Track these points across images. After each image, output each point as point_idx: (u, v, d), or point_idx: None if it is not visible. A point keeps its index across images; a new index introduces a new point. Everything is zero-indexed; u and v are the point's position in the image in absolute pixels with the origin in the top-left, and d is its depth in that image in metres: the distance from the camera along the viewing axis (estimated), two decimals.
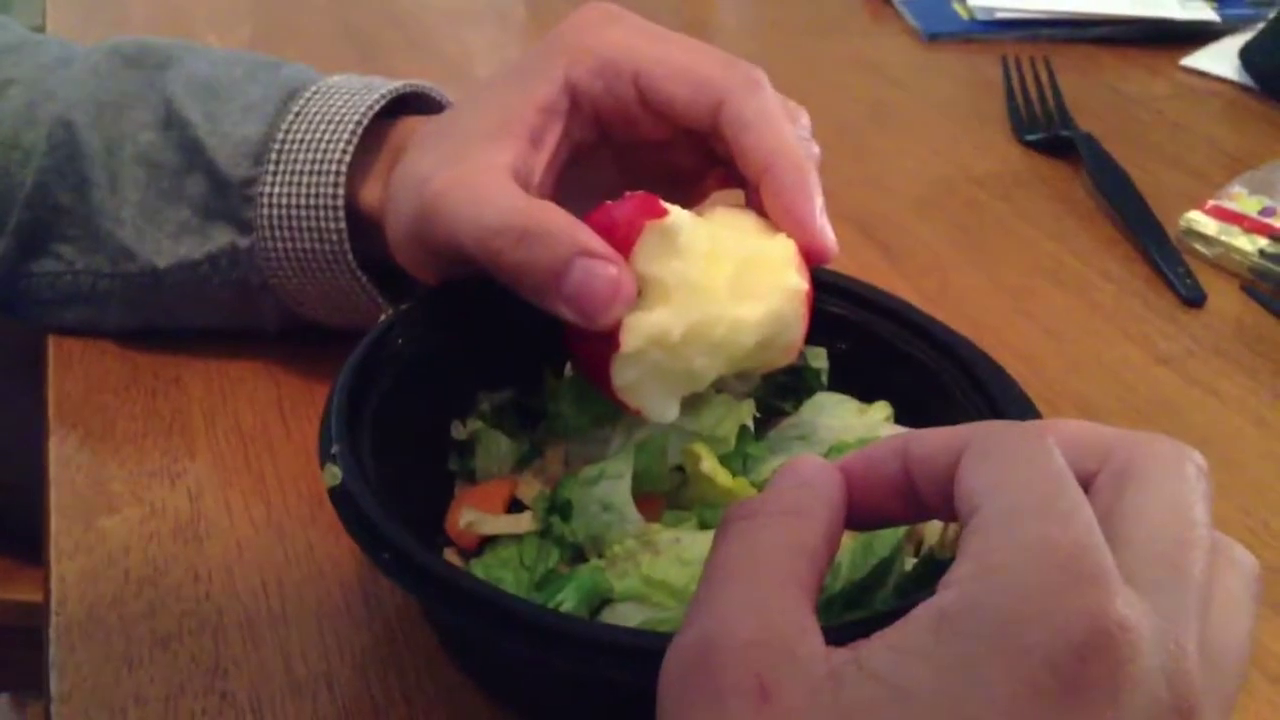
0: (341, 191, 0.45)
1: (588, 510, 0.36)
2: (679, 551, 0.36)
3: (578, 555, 0.37)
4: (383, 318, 0.38)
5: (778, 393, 0.45)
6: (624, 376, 0.36)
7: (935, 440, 0.28)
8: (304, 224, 0.45)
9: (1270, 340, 0.59)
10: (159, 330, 0.51)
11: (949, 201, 0.70)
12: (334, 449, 0.33)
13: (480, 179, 0.38)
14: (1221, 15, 0.93)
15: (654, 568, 0.35)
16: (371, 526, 0.32)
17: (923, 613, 0.24)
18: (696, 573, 0.34)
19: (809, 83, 0.83)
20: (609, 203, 0.37)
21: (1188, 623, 0.24)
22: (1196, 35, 0.92)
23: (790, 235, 0.38)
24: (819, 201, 0.38)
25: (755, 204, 0.39)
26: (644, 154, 0.43)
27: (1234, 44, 0.90)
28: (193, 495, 0.44)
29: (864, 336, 0.46)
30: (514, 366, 0.41)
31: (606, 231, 0.36)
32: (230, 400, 0.48)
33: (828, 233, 0.38)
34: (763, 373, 0.40)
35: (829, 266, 0.46)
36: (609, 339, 0.36)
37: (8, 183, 0.49)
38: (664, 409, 0.37)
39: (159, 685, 0.37)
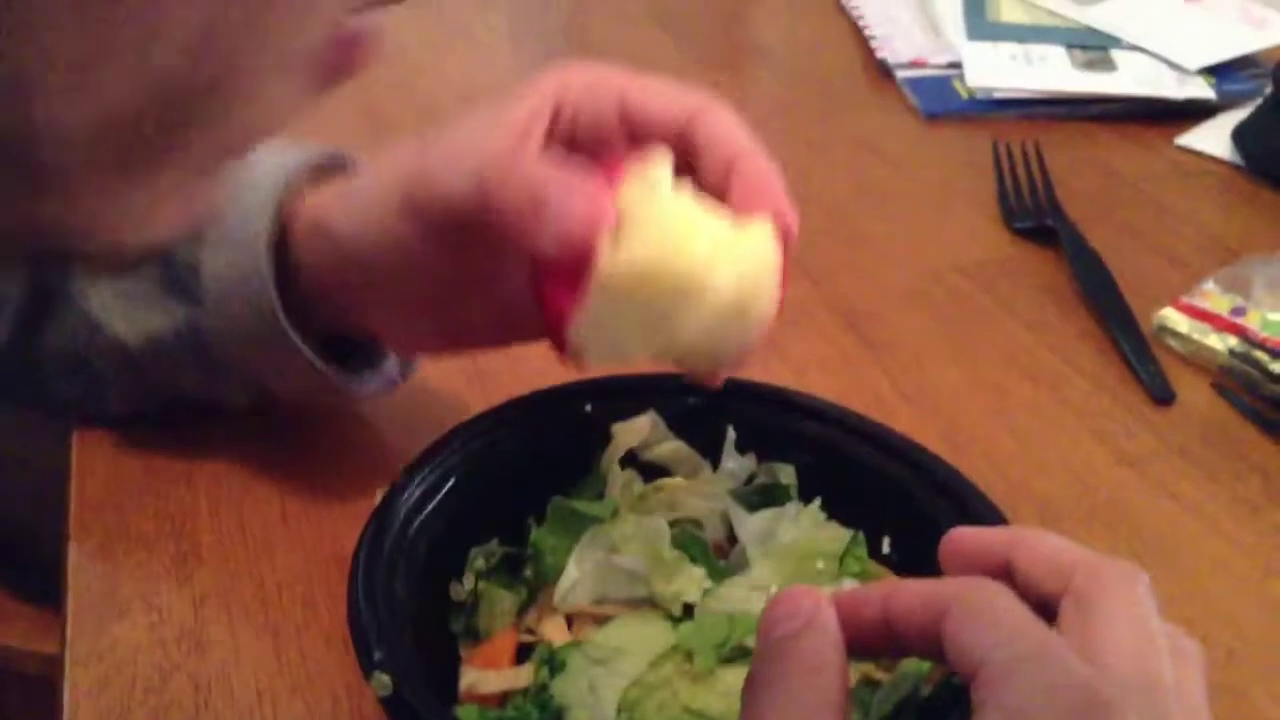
0: (267, 255, 0.47)
1: (576, 680, 0.39)
2: (713, 682, 0.39)
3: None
4: (378, 498, 0.41)
5: (750, 508, 0.48)
6: (592, 310, 0.37)
7: (912, 597, 0.33)
8: (237, 295, 0.48)
9: (1235, 441, 0.62)
10: (170, 424, 0.54)
11: (934, 292, 0.72)
12: (377, 655, 0.35)
13: (474, 142, 0.42)
14: (1219, 91, 0.95)
15: (694, 697, 0.38)
16: None
17: None
18: (733, 704, 0.37)
19: (808, 162, 0.86)
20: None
21: None
22: (1194, 112, 0.94)
23: (760, 208, 0.40)
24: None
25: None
26: None
27: (1230, 121, 0.91)
28: (197, 601, 0.48)
29: (829, 451, 0.49)
30: (498, 520, 0.45)
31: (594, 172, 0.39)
32: (236, 503, 0.52)
33: (792, 211, 0.42)
34: (734, 356, 0.41)
35: (794, 382, 0.50)
36: (580, 283, 0.37)
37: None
38: (623, 357, 0.39)
39: None
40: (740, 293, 0.38)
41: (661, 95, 0.44)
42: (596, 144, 0.45)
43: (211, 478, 0.54)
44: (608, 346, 0.38)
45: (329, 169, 0.51)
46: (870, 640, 0.33)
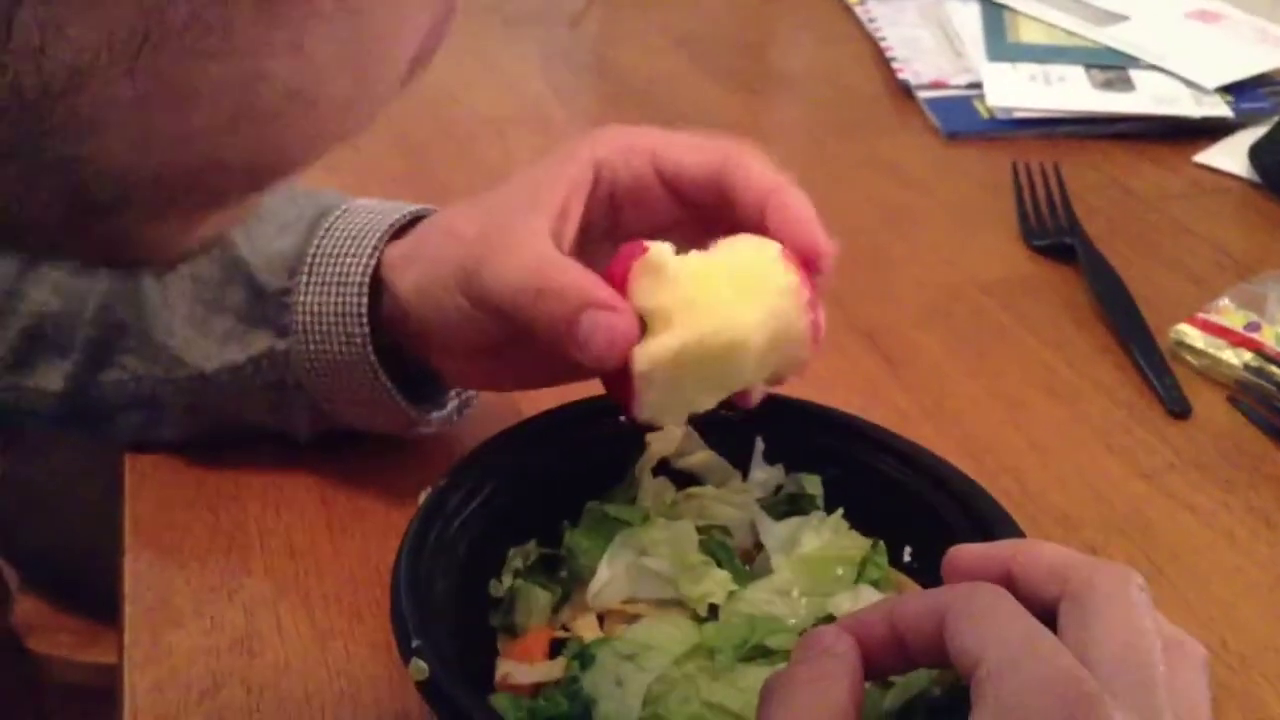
0: (365, 301, 0.51)
1: (605, 674, 0.41)
2: (733, 679, 0.41)
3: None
4: (422, 497, 0.44)
5: (777, 516, 0.50)
6: (647, 396, 0.41)
7: (916, 605, 0.35)
8: (332, 330, 0.52)
9: (1250, 454, 0.63)
10: (219, 445, 0.57)
11: (954, 310, 0.74)
12: (415, 643, 0.37)
13: (518, 239, 0.44)
14: (1236, 110, 0.97)
15: (714, 693, 0.40)
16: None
17: None
18: (750, 700, 0.39)
19: (831, 185, 0.88)
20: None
21: (1165, 718, 0.31)
22: (1211, 131, 0.96)
23: (797, 241, 0.43)
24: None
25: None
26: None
27: (1247, 139, 0.93)
28: (247, 610, 0.50)
29: (854, 464, 0.51)
30: (536, 522, 0.47)
31: (607, 280, 0.42)
32: (283, 518, 0.54)
33: (825, 238, 0.44)
34: (789, 374, 0.44)
35: (817, 400, 0.51)
36: (629, 370, 0.41)
37: (78, 304, 0.55)
38: (694, 411, 0.43)
39: None
40: (775, 326, 0.42)
41: (691, 148, 0.47)
42: (638, 202, 0.48)
43: (259, 495, 0.56)
44: (676, 410, 0.43)
45: (416, 222, 0.54)
46: (883, 657, 0.36)
